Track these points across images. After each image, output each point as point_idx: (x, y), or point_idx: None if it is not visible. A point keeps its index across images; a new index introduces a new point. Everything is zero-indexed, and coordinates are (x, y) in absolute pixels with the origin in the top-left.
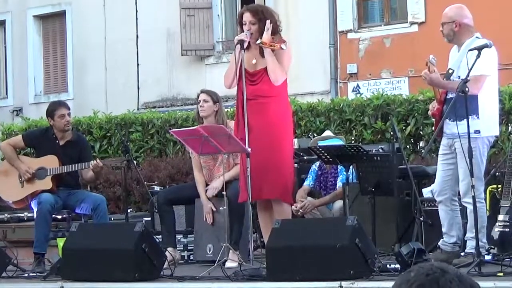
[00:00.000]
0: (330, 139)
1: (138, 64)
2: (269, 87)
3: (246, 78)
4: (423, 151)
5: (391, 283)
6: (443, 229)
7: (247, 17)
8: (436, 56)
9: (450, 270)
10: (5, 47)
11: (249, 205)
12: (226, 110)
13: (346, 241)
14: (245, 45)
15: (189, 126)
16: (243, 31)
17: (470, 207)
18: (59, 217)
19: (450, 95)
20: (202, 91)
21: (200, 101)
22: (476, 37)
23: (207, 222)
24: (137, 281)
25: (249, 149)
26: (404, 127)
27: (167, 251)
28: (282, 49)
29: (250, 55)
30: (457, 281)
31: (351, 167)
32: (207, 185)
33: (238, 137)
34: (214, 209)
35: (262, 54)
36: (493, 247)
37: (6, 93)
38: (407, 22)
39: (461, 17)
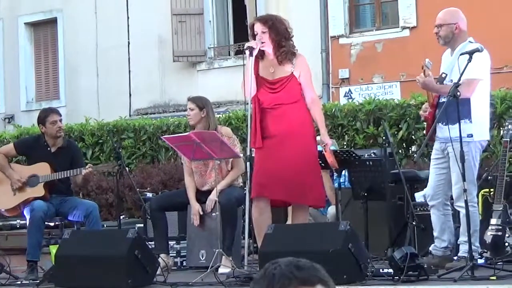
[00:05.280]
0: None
1: (129, 71)
2: (289, 95)
3: (266, 86)
4: (415, 155)
5: None
6: (435, 234)
7: (258, 27)
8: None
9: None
10: None
11: (246, 210)
12: (218, 116)
13: (339, 246)
14: (254, 52)
15: (181, 133)
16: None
17: (463, 211)
18: (52, 224)
19: (442, 99)
20: (188, 99)
21: (187, 109)
22: (469, 42)
23: (194, 224)
24: (130, 287)
25: (241, 155)
26: (396, 132)
27: (160, 258)
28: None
29: (267, 64)
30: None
31: (343, 172)
32: (197, 190)
33: (255, 147)
34: (201, 212)
35: (279, 62)
36: (486, 251)
37: None
38: (398, 27)
39: (461, 20)
